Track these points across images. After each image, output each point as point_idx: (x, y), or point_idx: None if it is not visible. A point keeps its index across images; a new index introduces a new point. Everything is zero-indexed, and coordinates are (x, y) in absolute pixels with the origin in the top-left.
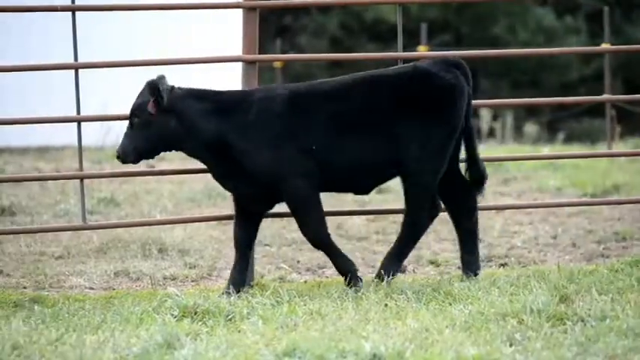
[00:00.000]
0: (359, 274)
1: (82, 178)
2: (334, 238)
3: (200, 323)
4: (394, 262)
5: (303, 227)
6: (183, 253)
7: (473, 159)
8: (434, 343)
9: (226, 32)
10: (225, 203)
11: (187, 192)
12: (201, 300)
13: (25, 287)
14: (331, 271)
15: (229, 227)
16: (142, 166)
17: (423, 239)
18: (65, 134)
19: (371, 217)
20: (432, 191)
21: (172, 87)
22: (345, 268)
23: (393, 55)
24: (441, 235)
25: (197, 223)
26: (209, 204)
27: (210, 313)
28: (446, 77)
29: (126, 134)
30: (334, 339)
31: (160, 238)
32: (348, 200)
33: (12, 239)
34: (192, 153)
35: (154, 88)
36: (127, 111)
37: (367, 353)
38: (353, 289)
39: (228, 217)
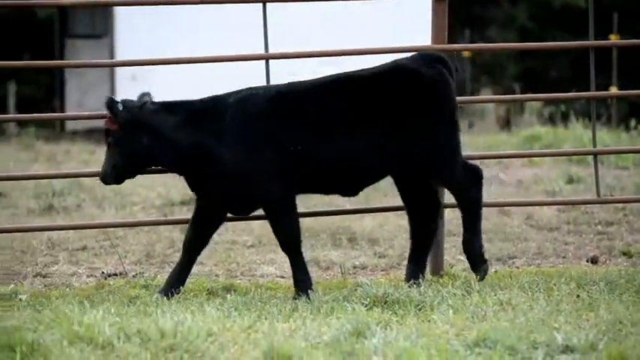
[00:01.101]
0: (312, 289)
1: None
2: (522, 228)
3: (390, 312)
4: (475, 244)
5: (276, 230)
6: (372, 243)
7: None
8: (628, 335)
9: (402, 21)
10: None
11: None
12: (391, 289)
13: (217, 275)
14: (521, 261)
15: None
16: None
17: (615, 230)
18: None
19: (562, 207)
20: (458, 171)
21: (144, 103)
22: (303, 280)
23: (584, 44)
24: (634, 225)
25: (386, 213)
26: (397, 194)
27: (400, 303)
28: (428, 73)
29: (105, 155)
30: (525, 330)
31: (350, 228)
32: (538, 191)
33: None
34: (170, 166)
35: (108, 104)
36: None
37: (559, 345)
38: (300, 300)
39: None
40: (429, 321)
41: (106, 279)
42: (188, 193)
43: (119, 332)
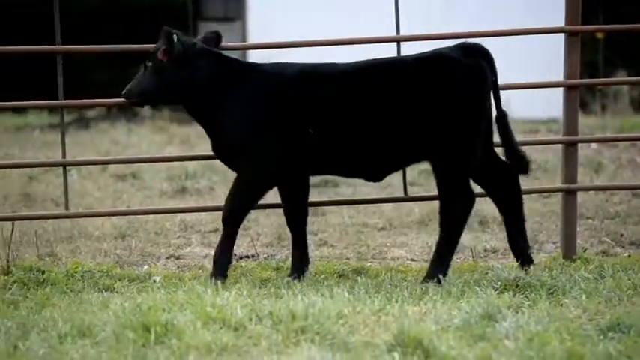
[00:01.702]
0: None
1: None
2: None
3: (521, 296)
4: (440, 263)
5: (228, 198)
6: (503, 226)
7: (509, 144)
8: None
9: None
10: (547, 176)
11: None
12: (523, 273)
13: (348, 258)
14: None
15: (551, 200)
16: None
17: None
18: None
19: None
20: (462, 179)
21: (195, 42)
22: (222, 259)
23: None
24: None
25: None
26: (529, 176)
27: (531, 286)
28: (467, 63)
29: (137, 76)
30: None
31: (481, 211)
32: None
33: (336, 210)
34: (192, 112)
35: (167, 36)
36: None
37: None
38: (211, 280)
39: (546, 191)
40: (561, 305)
41: (237, 261)
42: (320, 176)
43: (251, 314)
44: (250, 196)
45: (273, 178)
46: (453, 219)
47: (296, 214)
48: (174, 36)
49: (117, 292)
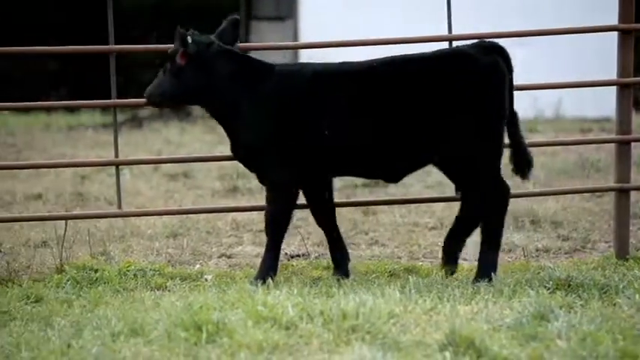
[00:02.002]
0: (271, 281)
1: None
2: None
3: (574, 296)
4: (489, 261)
5: (265, 209)
6: (556, 225)
7: (517, 146)
8: None
9: (591, 0)
10: (600, 175)
11: (560, 163)
12: (575, 272)
13: (399, 257)
14: None
15: (604, 200)
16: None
17: None
18: None
19: None
20: (490, 176)
21: (212, 42)
22: (266, 268)
23: None
24: None
25: (570, 195)
26: (582, 175)
27: (584, 286)
28: (485, 60)
29: (158, 77)
30: None
31: (533, 210)
32: None
33: (387, 210)
34: (212, 113)
35: (182, 38)
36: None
37: None
38: (255, 284)
39: (599, 190)
40: (614, 305)
41: (289, 260)
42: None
43: (302, 313)
44: (283, 202)
45: (297, 179)
46: (493, 216)
47: (322, 215)
48: (189, 37)
49: (169, 290)
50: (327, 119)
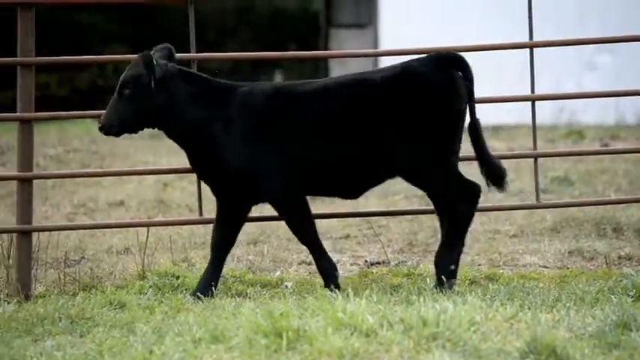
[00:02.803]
0: (339, 279)
1: (535, 157)
2: None
3: None
4: (447, 262)
5: (290, 226)
6: (638, 233)
7: (483, 157)
8: None
9: None
10: None
11: None
12: None
13: (479, 265)
14: None
15: None
16: (596, 144)
17: None
18: (518, 113)
19: None
20: (450, 187)
21: (167, 63)
22: (327, 270)
23: None
24: None
25: None
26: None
27: None
28: (435, 76)
29: (112, 105)
30: None
31: (615, 218)
32: None
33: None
34: (172, 135)
35: (148, 62)
36: (578, 90)
37: None
38: (332, 289)
39: None
40: None
41: (369, 267)
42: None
43: (382, 320)
44: (296, 212)
45: (293, 183)
46: (460, 223)
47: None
48: (155, 60)
49: (249, 297)
50: (286, 138)
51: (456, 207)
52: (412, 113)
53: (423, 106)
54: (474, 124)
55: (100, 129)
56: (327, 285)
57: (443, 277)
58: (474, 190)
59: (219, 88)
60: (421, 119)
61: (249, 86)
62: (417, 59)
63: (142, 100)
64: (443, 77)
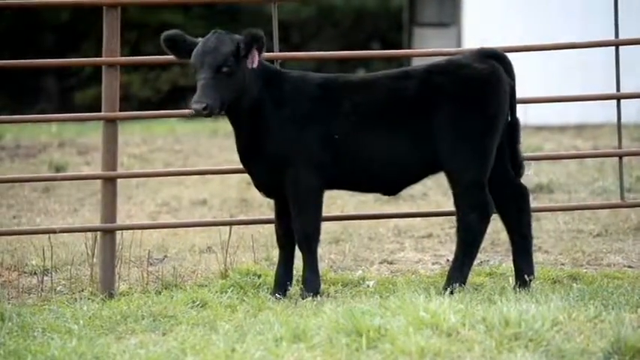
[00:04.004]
0: (320, 294)
1: (620, 156)
2: None
3: None
4: (458, 273)
5: (297, 220)
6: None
7: (512, 153)
8: None
9: None
10: None
11: None
12: None
13: (563, 264)
14: None
15: None
16: None
17: None
18: (603, 112)
19: None
20: (479, 189)
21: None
22: (312, 282)
23: None
24: None
25: None
26: None
27: None
28: (479, 68)
29: (210, 84)
30: None
31: None
32: None
33: (550, 216)
34: (239, 113)
35: (259, 38)
36: None
37: None
38: (303, 300)
39: None
40: None
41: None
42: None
43: (464, 319)
44: (314, 210)
45: (324, 177)
46: (471, 231)
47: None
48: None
49: (331, 296)
50: (335, 127)
51: (467, 217)
52: (455, 105)
53: (466, 97)
54: (515, 123)
55: (204, 109)
56: (303, 296)
57: (450, 286)
58: (488, 206)
59: (272, 70)
60: (464, 110)
61: (298, 73)
62: (460, 54)
63: (237, 77)
64: (486, 69)
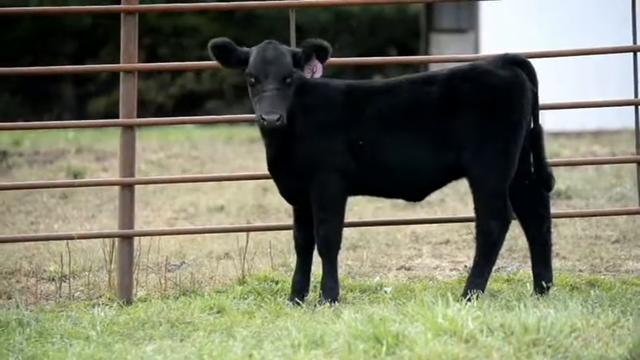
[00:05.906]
0: (338, 300)
1: (638, 162)
2: None
3: None
4: (478, 279)
5: (320, 226)
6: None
7: (539, 163)
8: None
9: None
10: None
11: None
12: None
13: (580, 270)
14: None
15: None
16: None
17: None
18: (620, 118)
19: None
20: (500, 196)
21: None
22: (331, 289)
23: None
24: None
25: None
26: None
27: None
28: (503, 74)
29: (277, 95)
30: None
31: None
32: None
33: (568, 222)
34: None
35: (325, 48)
36: None
37: None
38: (321, 306)
39: None
40: None
41: (468, 273)
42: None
43: (482, 326)
44: (338, 218)
45: (347, 184)
46: (490, 237)
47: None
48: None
49: (348, 302)
50: (360, 133)
51: (487, 224)
52: (478, 111)
53: (490, 104)
54: (537, 130)
55: (278, 120)
56: (320, 302)
57: (469, 292)
58: (507, 213)
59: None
60: (487, 117)
61: (324, 80)
62: (483, 60)
63: (292, 88)
64: (509, 75)
